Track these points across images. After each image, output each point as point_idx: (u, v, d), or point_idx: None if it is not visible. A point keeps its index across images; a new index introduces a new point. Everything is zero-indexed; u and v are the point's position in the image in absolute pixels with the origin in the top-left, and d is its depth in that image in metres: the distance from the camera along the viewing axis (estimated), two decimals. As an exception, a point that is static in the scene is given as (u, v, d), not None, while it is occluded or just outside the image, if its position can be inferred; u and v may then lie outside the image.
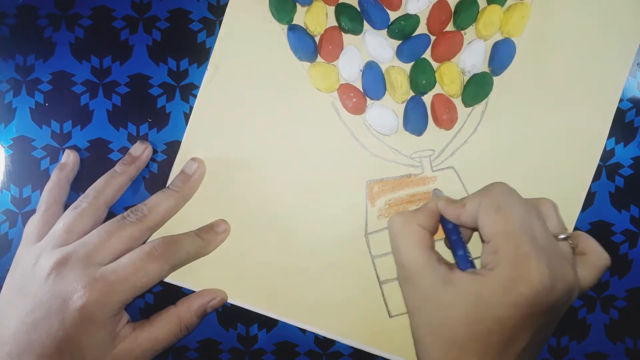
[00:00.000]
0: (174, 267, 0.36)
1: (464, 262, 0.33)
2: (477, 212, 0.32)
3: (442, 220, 0.35)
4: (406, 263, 0.33)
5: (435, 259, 0.32)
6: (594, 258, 0.33)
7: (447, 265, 0.32)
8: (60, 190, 0.39)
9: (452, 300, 0.31)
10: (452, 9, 0.39)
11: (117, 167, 0.38)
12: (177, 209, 0.38)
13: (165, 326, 0.36)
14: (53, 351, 0.32)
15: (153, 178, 0.40)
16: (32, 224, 0.38)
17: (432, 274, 0.32)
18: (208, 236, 0.38)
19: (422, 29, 0.39)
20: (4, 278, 0.36)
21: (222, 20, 0.40)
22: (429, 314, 0.32)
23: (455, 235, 0.34)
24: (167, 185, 0.39)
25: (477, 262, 0.33)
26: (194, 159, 0.39)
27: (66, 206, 0.38)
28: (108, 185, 0.38)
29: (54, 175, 0.39)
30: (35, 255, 0.35)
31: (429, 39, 0.39)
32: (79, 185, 0.39)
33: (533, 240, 0.30)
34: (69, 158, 0.39)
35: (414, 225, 0.34)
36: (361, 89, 0.39)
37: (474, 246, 0.36)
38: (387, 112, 0.39)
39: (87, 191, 0.38)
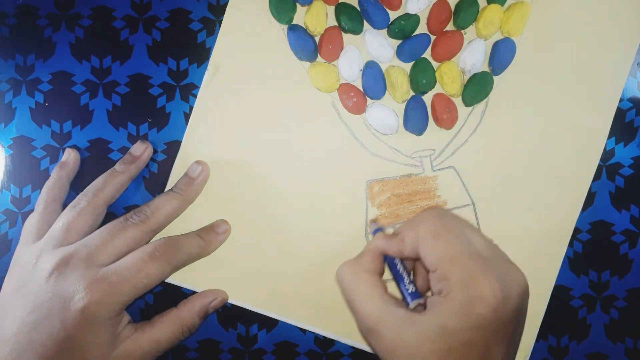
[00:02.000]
0: (176, 268, 0.36)
1: (409, 296, 0.33)
2: (416, 243, 0.32)
3: (385, 257, 0.35)
4: (364, 316, 0.32)
5: (392, 304, 0.32)
6: None
7: (404, 306, 0.32)
8: (60, 188, 0.39)
9: (419, 339, 0.30)
10: (452, 9, 0.39)
11: (117, 166, 0.38)
12: (180, 212, 0.38)
13: (166, 328, 0.36)
14: (54, 351, 0.32)
15: (153, 178, 0.40)
16: (31, 223, 0.37)
17: (392, 321, 0.31)
18: (209, 237, 0.38)
19: (422, 28, 0.39)
20: (4, 278, 0.36)
21: (222, 20, 0.40)
22: (402, 358, 0.31)
23: (397, 268, 0.34)
24: (170, 187, 0.38)
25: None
26: (198, 162, 0.39)
27: (65, 205, 0.38)
28: (108, 184, 0.37)
29: (54, 174, 0.39)
30: (35, 254, 0.35)
31: (429, 38, 0.39)
32: (78, 184, 0.39)
33: (476, 257, 0.31)
34: (70, 156, 0.39)
35: (362, 274, 0.33)
36: (361, 89, 0.39)
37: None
38: (387, 111, 0.39)
39: (86, 189, 0.37)
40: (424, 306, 0.32)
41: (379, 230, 0.37)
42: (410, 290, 0.33)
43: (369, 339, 0.33)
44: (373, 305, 0.32)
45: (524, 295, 0.31)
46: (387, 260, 0.35)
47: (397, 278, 0.34)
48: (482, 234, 0.33)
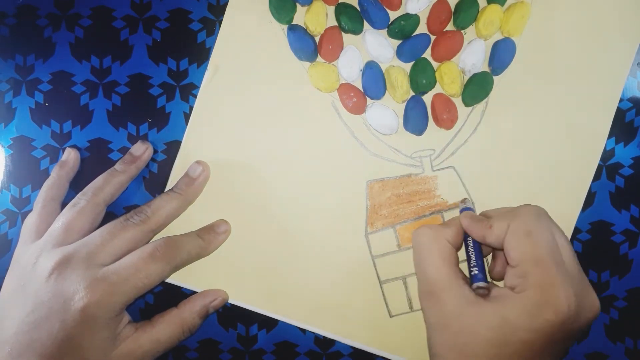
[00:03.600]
0: (176, 268, 0.36)
1: (474, 277, 0.33)
2: (504, 235, 0.32)
3: (464, 234, 0.35)
4: (432, 279, 0.33)
5: (461, 278, 0.33)
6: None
7: (469, 285, 0.33)
8: (59, 188, 0.39)
9: (477, 320, 0.31)
10: (452, 9, 0.39)
11: (118, 166, 0.38)
12: (180, 212, 0.38)
13: (167, 328, 0.36)
14: (54, 351, 0.32)
15: (153, 178, 0.40)
16: (30, 222, 0.37)
17: (458, 293, 0.32)
18: (209, 237, 0.38)
19: (422, 28, 0.39)
20: (4, 278, 0.36)
21: (222, 20, 0.40)
22: (453, 332, 0.31)
23: (471, 247, 0.34)
24: (170, 188, 0.38)
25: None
26: (198, 162, 0.39)
27: (64, 204, 0.38)
28: (107, 183, 0.37)
29: (54, 173, 0.39)
30: (35, 254, 0.35)
31: (429, 38, 0.39)
32: (78, 184, 0.39)
33: (561, 267, 0.31)
34: (70, 156, 0.39)
35: (443, 241, 0.34)
36: (361, 89, 0.39)
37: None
38: (387, 111, 0.39)
39: (85, 189, 0.37)
40: (487, 290, 0.32)
41: (467, 209, 0.37)
42: (475, 272, 0.33)
43: (427, 301, 0.33)
44: (444, 271, 0.32)
45: (593, 320, 0.32)
46: (469, 241, 0.35)
47: (469, 256, 0.34)
48: (574, 252, 0.33)
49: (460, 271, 0.33)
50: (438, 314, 0.32)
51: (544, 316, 0.30)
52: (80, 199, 0.37)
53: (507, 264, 0.32)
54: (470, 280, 0.33)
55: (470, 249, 0.34)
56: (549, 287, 0.30)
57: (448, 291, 0.32)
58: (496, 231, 0.33)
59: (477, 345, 0.31)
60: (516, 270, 0.31)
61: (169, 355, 0.40)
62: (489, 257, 0.37)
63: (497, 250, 0.36)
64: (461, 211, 0.37)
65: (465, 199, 0.38)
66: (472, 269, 0.33)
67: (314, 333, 0.39)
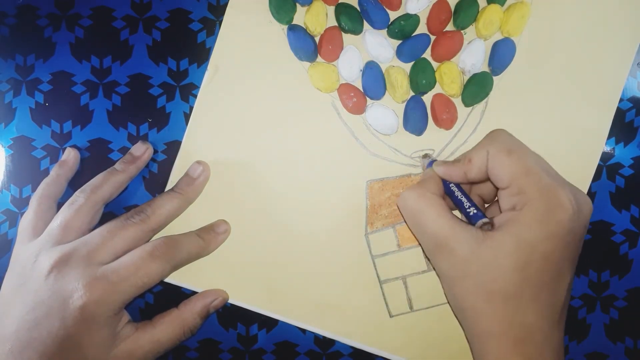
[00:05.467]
0: (175, 267, 0.36)
1: (474, 217, 0.33)
2: (485, 162, 0.33)
3: (443, 183, 0.35)
4: (435, 233, 0.32)
5: (461, 222, 0.32)
6: None
7: (473, 226, 0.32)
8: (57, 187, 0.39)
9: (494, 253, 0.31)
10: (452, 9, 0.39)
11: (118, 165, 0.38)
12: (180, 212, 0.38)
13: (168, 329, 0.36)
14: (54, 349, 0.32)
15: (153, 178, 0.40)
16: (26, 221, 0.37)
17: (465, 236, 0.32)
18: (208, 236, 0.38)
19: (422, 28, 0.39)
20: (4, 277, 0.36)
21: (222, 20, 0.40)
22: (474, 275, 0.31)
23: (455, 195, 0.34)
24: (171, 187, 0.38)
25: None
26: (199, 162, 0.39)
27: (60, 203, 0.38)
28: (106, 182, 0.37)
29: (53, 172, 0.39)
30: (34, 252, 0.35)
31: (429, 38, 0.39)
32: (78, 184, 0.39)
33: (551, 171, 0.32)
34: (70, 155, 0.39)
35: (429, 195, 0.34)
36: (361, 89, 0.39)
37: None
38: (387, 111, 0.39)
39: (84, 186, 0.37)
40: (490, 226, 0.32)
41: (433, 161, 0.37)
42: (473, 212, 0.33)
43: (438, 256, 0.33)
44: (444, 221, 0.32)
45: (589, 215, 0.32)
46: (446, 184, 0.35)
47: (458, 203, 0.34)
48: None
49: (458, 217, 0.33)
50: (454, 264, 0.32)
51: (555, 218, 0.30)
52: (79, 197, 0.37)
53: (497, 189, 0.33)
54: (472, 222, 0.33)
55: (457, 193, 0.34)
56: (549, 191, 0.30)
57: (456, 238, 0.32)
58: (477, 162, 0.33)
59: (502, 277, 0.30)
60: (510, 190, 0.32)
61: (169, 355, 0.40)
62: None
63: (475, 186, 0.36)
64: (428, 166, 0.37)
65: (425, 154, 0.38)
66: (468, 210, 0.33)
67: (314, 333, 0.39)
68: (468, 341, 0.34)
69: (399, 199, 0.35)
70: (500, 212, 0.33)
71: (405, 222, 0.37)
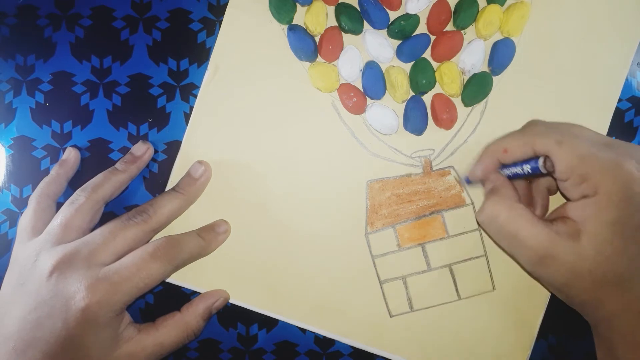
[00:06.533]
0: (176, 267, 0.36)
1: (534, 161, 0.33)
2: (525, 154, 0.33)
3: (505, 170, 0.35)
4: (536, 247, 0.32)
5: (549, 223, 0.32)
6: None
7: (557, 221, 0.32)
8: (57, 186, 0.39)
9: (595, 245, 0.30)
10: (452, 9, 0.39)
11: (118, 165, 0.38)
12: (182, 211, 0.38)
13: (171, 332, 0.36)
14: (58, 349, 0.32)
15: (153, 178, 0.40)
16: (25, 219, 0.37)
17: (560, 239, 0.31)
18: (209, 236, 0.38)
19: (422, 28, 0.39)
20: (3, 277, 0.36)
21: (222, 20, 0.40)
22: (591, 270, 0.31)
23: (512, 166, 0.34)
24: (172, 187, 0.38)
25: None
26: (200, 162, 0.39)
27: (60, 203, 0.38)
28: (107, 181, 0.37)
29: (53, 171, 0.39)
30: (34, 252, 0.35)
31: (429, 38, 0.39)
32: (78, 184, 0.39)
33: (603, 147, 0.31)
34: (70, 155, 0.39)
35: (516, 205, 0.33)
36: (361, 89, 0.39)
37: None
38: (387, 111, 0.39)
39: (84, 185, 0.37)
40: (550, 161, 0.32)
41: (467, 178, 0.37)
42: (532, 165, 0.33)
43: (543, 268, 0.32)
44: (540, 230, 0.32)
45: None
46: (513, 169, 0.35)
47: (516, 173, 0.34)
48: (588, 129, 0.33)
49: (542, 217, 0.33)
50: (562, 270, 0.31)
51: (632, 191, 0.29)
52: (79, 196, 0.37)
53: (557, 186, 0.33)
54: (535, 172, 0.33)
55: (511, 169, 0.34)
56: (614, 168, 0.30)
57: (558, 243, 0.31)
58: (515, 152, 0.33)
59: (610, 267, 0.30)
60: (572, 181, 0.31)
61: (169, 355, 0.40)
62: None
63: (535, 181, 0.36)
64: (466, 182, 0.38)
65: (469, 175, 0.38)
66: (526, 166, 0.33)
67: (314, 333, 0.39)
68: (591, 326, 0.33)
69: (484, 216, 0.34)
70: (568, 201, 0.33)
71: (491, 237, 0.36)
